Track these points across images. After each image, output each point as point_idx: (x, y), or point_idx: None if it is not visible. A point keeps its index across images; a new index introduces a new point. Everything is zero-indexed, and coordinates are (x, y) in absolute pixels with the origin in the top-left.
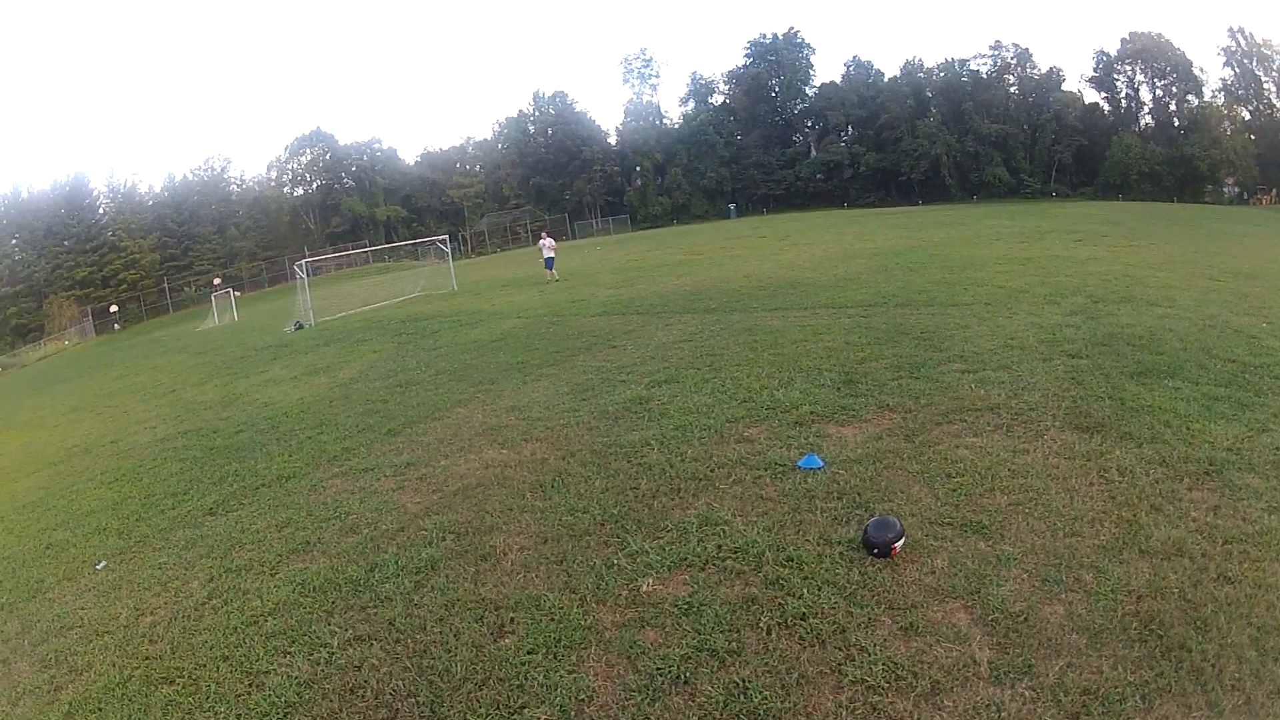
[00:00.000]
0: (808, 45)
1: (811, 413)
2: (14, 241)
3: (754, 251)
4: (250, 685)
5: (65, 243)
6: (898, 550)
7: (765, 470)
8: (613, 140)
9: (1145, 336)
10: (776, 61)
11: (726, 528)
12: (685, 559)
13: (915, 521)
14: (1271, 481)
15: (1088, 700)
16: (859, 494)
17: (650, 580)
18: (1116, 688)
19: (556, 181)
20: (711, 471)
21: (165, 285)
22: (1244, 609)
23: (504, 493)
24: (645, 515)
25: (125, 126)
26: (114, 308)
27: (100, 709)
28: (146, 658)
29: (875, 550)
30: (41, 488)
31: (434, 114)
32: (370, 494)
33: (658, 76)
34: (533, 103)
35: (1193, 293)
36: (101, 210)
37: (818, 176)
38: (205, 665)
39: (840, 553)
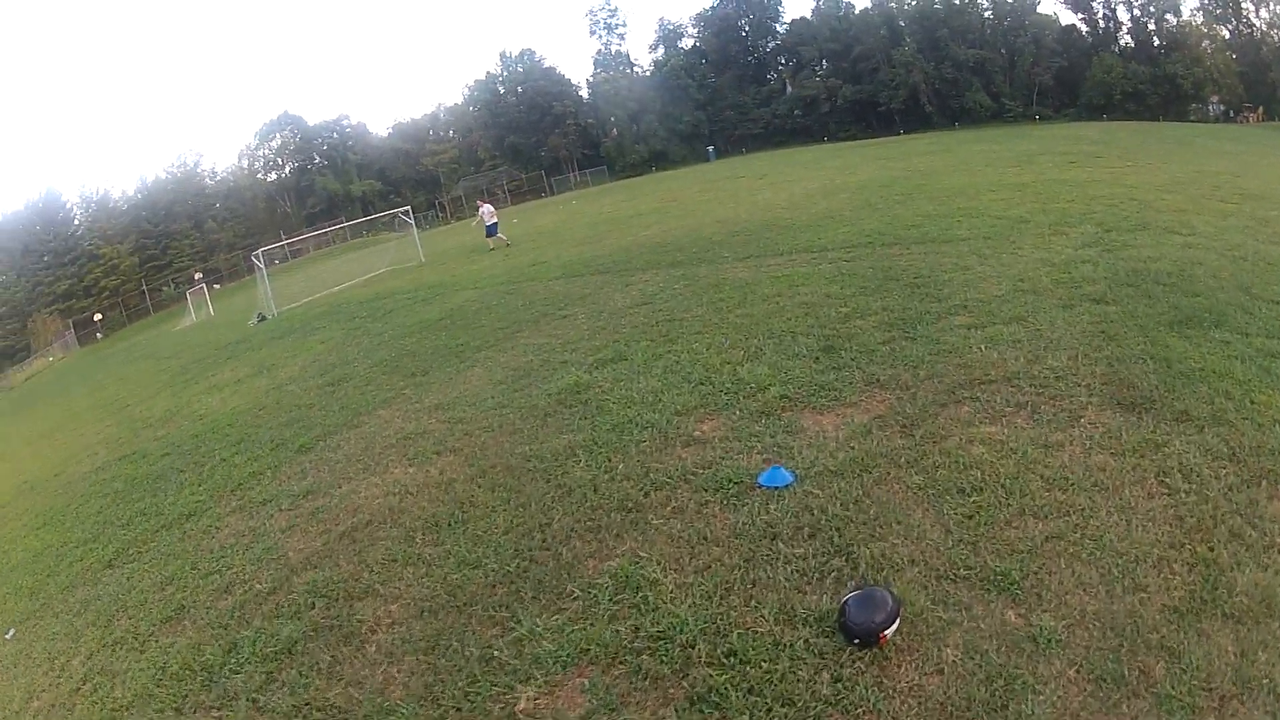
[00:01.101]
0: None
1: (782, 396)
2: None
3: (730, 194)
4: None
5: (44, 259)
6: (888, 638)
7: (715, 492)
8: (584, 93)
9: (1174, 273)
10: (744, 1)
11: (651, 594)
12: (587, 650)
13: (917, 575)
14: None
15: None
16: (840, 529)
17: (533, 690)
18: None
19: (531, 139)
20: (645, 496)
21: (144, 287)
22: None
23: (394, 534)
24: (549, 572)
25: (93, 136)
26: (97, 316)
27: None
28: None
29: (857, 640)
30: None
31: (402, 85)
32: (259, 536)
33: (624, 25)
34: (500, 63)
35: (1208, 217)
36: (76, 221)
37: (795, 113)
38: None
39: (806, 640)
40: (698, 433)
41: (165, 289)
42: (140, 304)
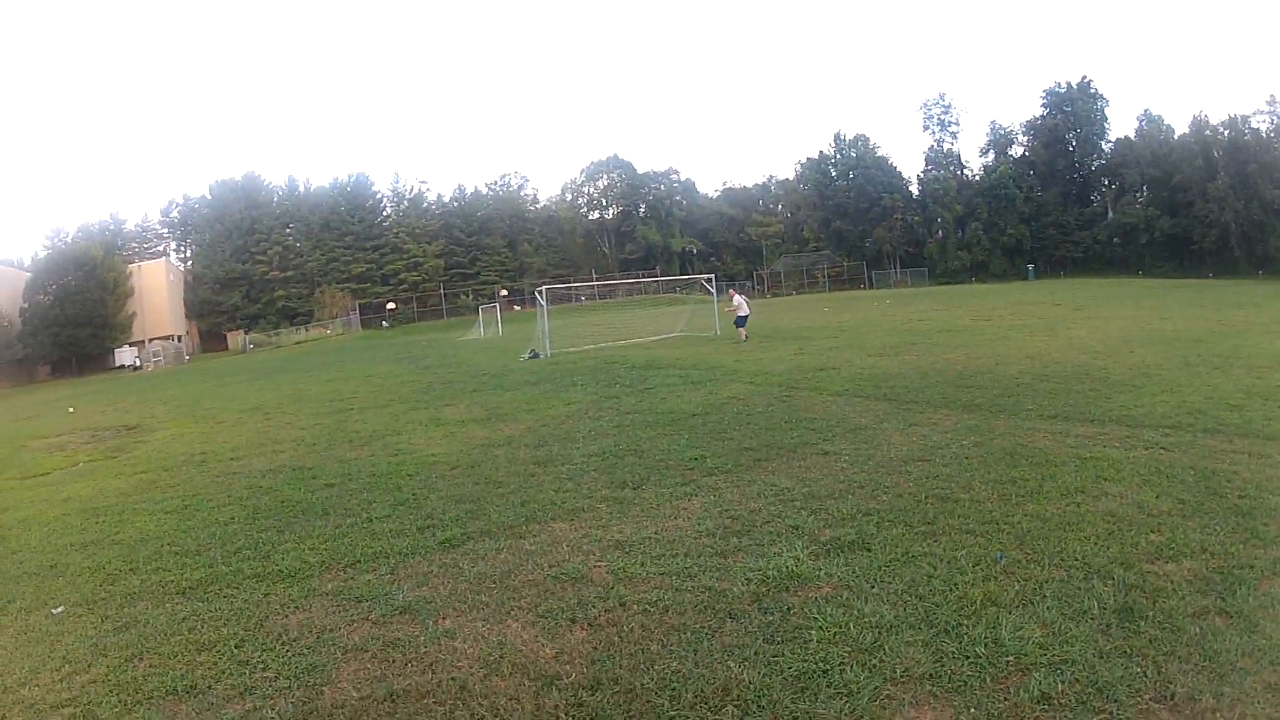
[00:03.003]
0: (1101, 97)
1: (1043, 696)
2: (288, 230)
3: (1045, 322)
4: None
5: (345, 238)
6: None
7: None
8: (914, 189)
9: None
10: (1072, 112)
11: None
12: None
13: None
14: None
15: None
16: None
17: None
18: None
19: (856, 227)
20: None
21: (442, 291)
22: None
23: None
24: None
25: (410, 135)
26: (390, 305)
27: None
28: None
29: None
30: (126, 493)
31: (734, 149)
32: (321, 643)
33: (957, 124)
34: (834, 144)
35: None
36: (387, 211)
37: (1114, 240)
38: None
39: None
40: None
41: (463, 297)
42: (436, 305)
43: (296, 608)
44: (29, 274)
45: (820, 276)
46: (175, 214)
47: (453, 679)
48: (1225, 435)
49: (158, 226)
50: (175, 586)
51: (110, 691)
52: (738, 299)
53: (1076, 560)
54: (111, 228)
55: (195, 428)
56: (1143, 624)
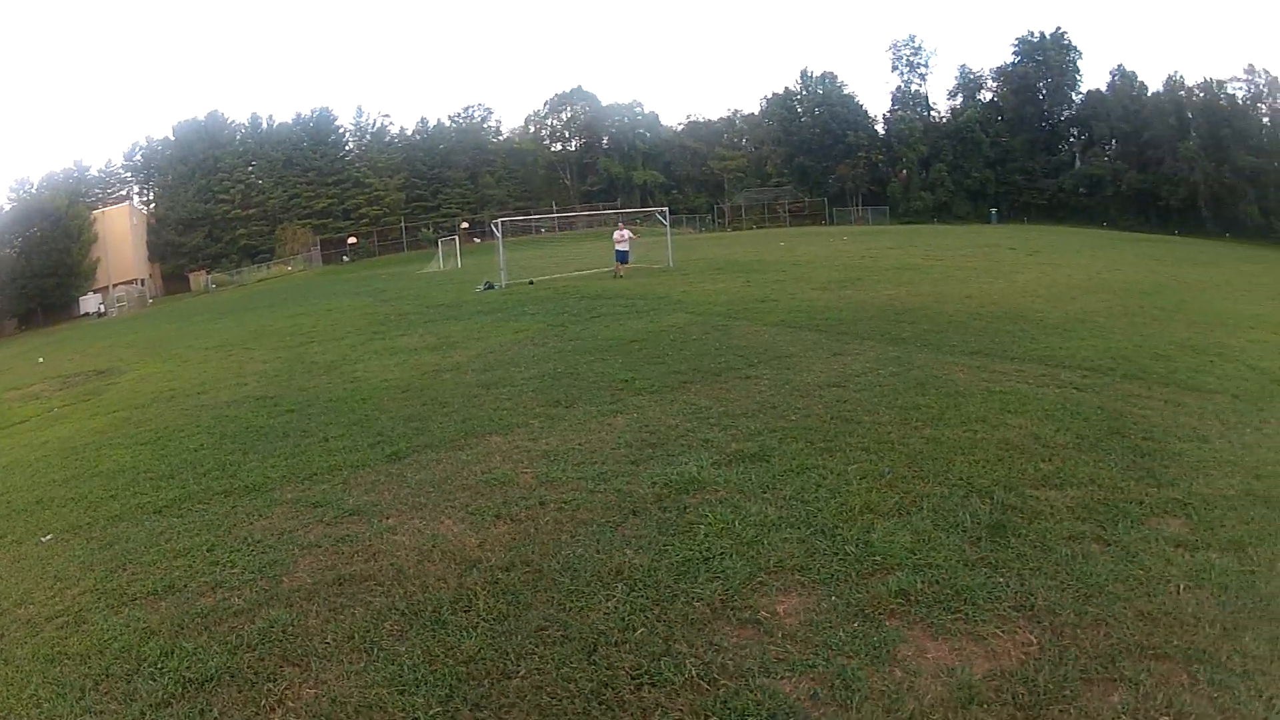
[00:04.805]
0: (1075, 48)
1: (901, 591)
2: (250, 168)
3: (993, 266)
4: None
5: (308, 174)
6: None
7: None
8: (879, 128)
9: None
10: (1044, 62)
11: None
12: None
13: None
14: None
15: None
16: None
17: None
18: None
19: (820, 164)
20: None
21: (404, 225)
22: None
23: (371, 607)
24: None
25: (373, 69)
26: (351, 240)
27: None
28: None
29: None
30: (102, 431)
31: (699, 82)
32: (280, 544)
33: (926, 66)
34: (800, 81)
35: None
36: (349, 146)
37: (1080, 190)
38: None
39: None
40: (765, 613)
41: (424, 231)
42: (397, 239)
43: (260, 516)
44: None
45: (781, 211)
46: (139, 157)
47: (392, 565)
48: (1145, 382)
49: (121, 170)
50: (152, 506)
51: (98, 599)
52: (622, 233)
53: (960, 480)
54: (75, 175)
55: (163, 367)
56: (1013, 540)
